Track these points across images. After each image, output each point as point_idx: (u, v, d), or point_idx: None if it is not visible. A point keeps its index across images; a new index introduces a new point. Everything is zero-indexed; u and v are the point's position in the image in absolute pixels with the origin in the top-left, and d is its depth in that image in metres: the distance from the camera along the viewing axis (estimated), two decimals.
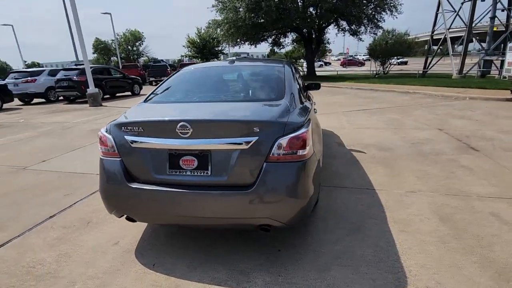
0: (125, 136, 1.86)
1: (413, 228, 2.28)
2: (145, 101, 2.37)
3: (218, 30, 20.22)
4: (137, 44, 39.43)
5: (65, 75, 11.99)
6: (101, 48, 38.58)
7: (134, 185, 1.83)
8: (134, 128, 1.83)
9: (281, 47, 26.67)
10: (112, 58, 39.45)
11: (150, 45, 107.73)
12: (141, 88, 15.50)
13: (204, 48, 32.26)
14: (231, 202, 1.73)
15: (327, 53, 35.85)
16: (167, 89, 2.52)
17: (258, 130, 1.71)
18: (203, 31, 30.39)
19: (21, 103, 13.13)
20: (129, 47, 39.08)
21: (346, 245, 2.11)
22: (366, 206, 2.66)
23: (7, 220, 2.69)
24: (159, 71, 22.96)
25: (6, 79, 12.83)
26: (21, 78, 12.40)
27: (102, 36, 41.92)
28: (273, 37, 23.84)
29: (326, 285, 1.73)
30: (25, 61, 40.36)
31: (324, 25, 21.01)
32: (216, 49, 33.04)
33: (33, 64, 42.92)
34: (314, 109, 3.26)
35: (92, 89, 10.75)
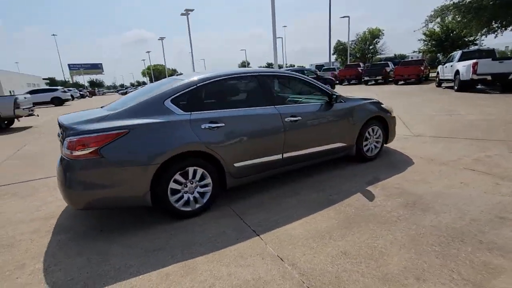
0: None
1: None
2: (102, 106, 3.34)
3: (445, 18, 16.17)
4: (374, 42, 39.33)
5: None
6: (340, 49, 42.37)
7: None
8: None
9: None
10: (349, 58, 42.11)
11: (388, 42, 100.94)
12: (333, 88, 16.26)
13: (445, 40, 26.55)
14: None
15: None
16: (123, 98, 3.36)
17: (63, 131, 2.38)
18: (447, 20, 24.94)
19: None
20: (366, 45, 39.80)
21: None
22: (198, 242, 2.30)
23: None
24: (375, 70, 22.22)
25: None
26: None
27: (344, 38, 45.36)
28: None
29: None
30: (285, 64, 52.67)
31: None
32: (466, 39, 26.03)
33: (291, 66, 54.94)
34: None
35: None
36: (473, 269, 1.81)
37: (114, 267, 2.05)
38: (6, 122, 9.68)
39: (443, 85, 15.84)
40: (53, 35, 66.44)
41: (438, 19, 16.65)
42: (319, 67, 31.72)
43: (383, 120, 4.01)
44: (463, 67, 12.29)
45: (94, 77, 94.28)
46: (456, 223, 2.33)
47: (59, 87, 23.75)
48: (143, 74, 72.75)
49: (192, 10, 24.15)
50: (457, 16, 14.46)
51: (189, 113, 2.62)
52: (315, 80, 3.55)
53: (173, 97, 2.61)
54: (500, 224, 2.27)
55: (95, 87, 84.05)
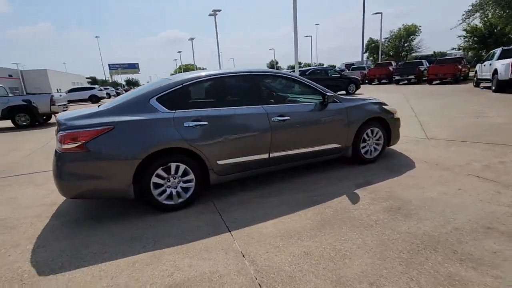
0: None
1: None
2: (99, 105, 3.51)
3: (486, 13, 14.85)
4: (409, 39, 37.22)
5: None
6: (372, 47, 40.68)
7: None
8: None
9: None
10: (382, 56, 40.44)
11: (427, 39, 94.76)
12: (357, 88, 15.70)
13: (489, 37, 24.44)
14: None
15: None
16: (118, 97, 3.53)
17: (58, 127, 2.61)
18: (490, 15, 22.93)
19: None
20: (400, 43, 37.81)
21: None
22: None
23: None
24: (407, 69, 21.11)
25: None
26: None
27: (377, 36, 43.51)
28: None
29: None
30: (314, 63, 51.64)
31: None
32: (511, 36, 23.77)
33: (320, 64, 53.83)
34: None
35: None
36: (435, 279, 1.72)
37: (91, 252, 2.22)
38: (44, 117, 10.63)
39: (481, 85, 14.70)
40: (96, 37, 71.52)
41: (477, 14, 15.33)
42: (349, 66, 30.84)
43: (384, 122, 3.86)
44: (502, 66, 11.30)
45: (130, 76, 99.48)
46: (435, 231, 2.22)
47: (96, 86, 25.52)
48: (175, 73, 75.98)
49: (219, 11, 24.68)
50: (497, 11, 13.22)
51: (173, 111, 2.74)
52: (308, 80, 3.52)
53: (158, 95, 2.75)
54: (484, 235, 2.12)
55: (131, 86, 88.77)
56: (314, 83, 3.54)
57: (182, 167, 2.76)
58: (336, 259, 1.96)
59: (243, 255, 2.07)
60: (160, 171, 2.68)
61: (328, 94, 3.39)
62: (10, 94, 11.63)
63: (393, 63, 26.41)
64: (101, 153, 2.47)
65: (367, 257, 1.96)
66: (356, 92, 15.69)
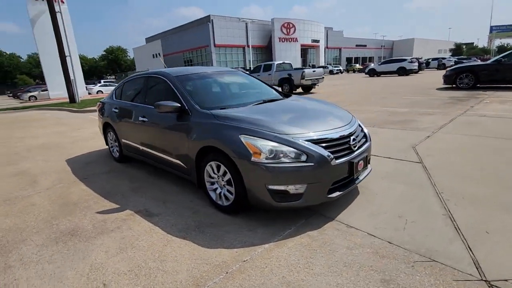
0: None
1: None
2: None
3: None
4: None
5: None
6: None
7: None
8: None
9: None
10: None
11: None
12: None
13: None
14: None
15: None
16: None
17: None
18: None
19: None
20: None
21: None
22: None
23: None
24: None
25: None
26: None
27: None
28: None
29: None
30: None
31: None
32: None
33: None
34: None
35: None
36: None
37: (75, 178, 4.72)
38: (299, 88, 13.82)
39: None
40: None
41: None
42: None
43: (231, 160, 2.30)
44: None
45: (508, 41, 76.81)
46: None
47: (406, 58, 23.90)
48: None
49: None
50: None
51: (115, 100, 4.22)
52: (180, 86, 3.03)
53: (117, 89, 4.32)
54: None
55: (499, 53, 69.41)
56: (184, 89, 3.00)
57: (115, 136, 4.27)
58: None
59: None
60: (109, 134, 4.43)
61: (163, 103, 2.80)
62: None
63: None
64: (101, 114, 4.69)
65: None
66: None
